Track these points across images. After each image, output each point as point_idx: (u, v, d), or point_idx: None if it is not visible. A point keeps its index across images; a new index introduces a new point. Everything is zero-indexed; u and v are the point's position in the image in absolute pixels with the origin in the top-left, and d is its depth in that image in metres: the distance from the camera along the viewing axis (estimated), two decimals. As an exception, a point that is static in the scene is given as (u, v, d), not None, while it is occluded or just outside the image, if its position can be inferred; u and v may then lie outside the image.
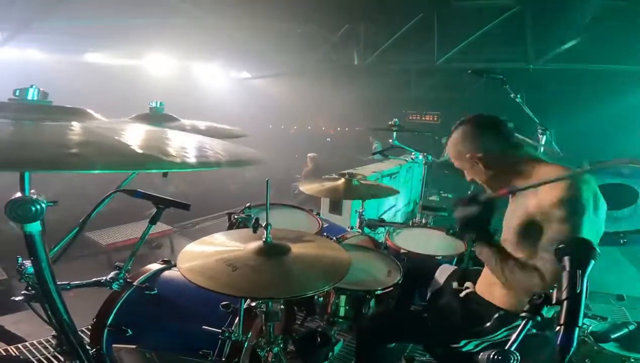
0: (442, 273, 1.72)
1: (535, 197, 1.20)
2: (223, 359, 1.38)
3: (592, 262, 0.79)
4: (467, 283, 1.54)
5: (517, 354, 0.74)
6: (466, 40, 5.92)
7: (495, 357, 0.74)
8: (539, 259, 1.18)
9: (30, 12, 4.85)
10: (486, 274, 1.45)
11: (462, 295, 1.49)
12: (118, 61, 7.76)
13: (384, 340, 1.52)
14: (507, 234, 1.33)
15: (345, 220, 3.69)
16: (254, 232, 1.38)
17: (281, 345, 1.43)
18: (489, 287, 1.41)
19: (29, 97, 0.76)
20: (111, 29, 5.82)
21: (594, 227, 1.17)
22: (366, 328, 1.62)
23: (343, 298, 1.79)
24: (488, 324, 1.32)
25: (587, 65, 5.57)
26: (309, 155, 7.50)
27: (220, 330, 1.38)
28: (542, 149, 2.34)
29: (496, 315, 1.32)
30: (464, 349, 1.35)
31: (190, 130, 1.47)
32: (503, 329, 1.31)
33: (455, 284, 1.57)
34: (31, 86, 0.76)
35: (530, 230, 1.22)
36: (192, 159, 0.67)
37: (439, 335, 1.44)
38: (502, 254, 1.26)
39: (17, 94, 0.75)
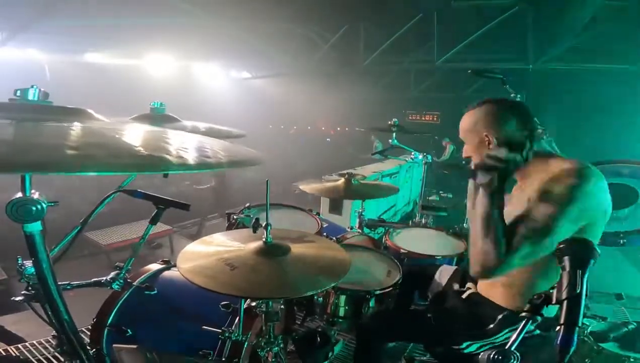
0: (442, 274, 1.71)
1: (539, 187, 1.17)
2: (223, 359, 1.38)
3: (592, 262, 0.79)
4: (469, 284, 1.53)
5: (517, 354, 0.74)
6: (466, 40, 5.91)
7: (496, 356, 0.74)
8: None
9: (30, 12, 4.85)
10: None
11: (464, 296, 1.48)
12: (118, 61, 7.75)
13: (384, 339, 1.51)
14: None
15: (345, 220, 3.69)
16: (254, 232, 1.38)
17: (281, 345, 1.43)
18: (491, 286, 1.40)
19: (30, 97, 0.75)
20: (111, 29, 5.82)
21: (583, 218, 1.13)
22: (367, 326, 1.61)
23: (343, 298, 1.79)
24: (492, 325, 1.30)
25: (587, 65, 5.57)
26: None
27: (220, 330, 1.38)
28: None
29: (500, 316, 1.31)
30: (466, 351, 1.35)
31: (191, 131, 1.47)
32: (506, 330, 1.29)
33: (456, 285, 1.56)
34: (32, 86, 0.76)
35: None
36: (193, 160, 0.67)
37: (442, 336, 1.43)
38: (500, 209, 1.19)
39: (17, 94, 0.75)
